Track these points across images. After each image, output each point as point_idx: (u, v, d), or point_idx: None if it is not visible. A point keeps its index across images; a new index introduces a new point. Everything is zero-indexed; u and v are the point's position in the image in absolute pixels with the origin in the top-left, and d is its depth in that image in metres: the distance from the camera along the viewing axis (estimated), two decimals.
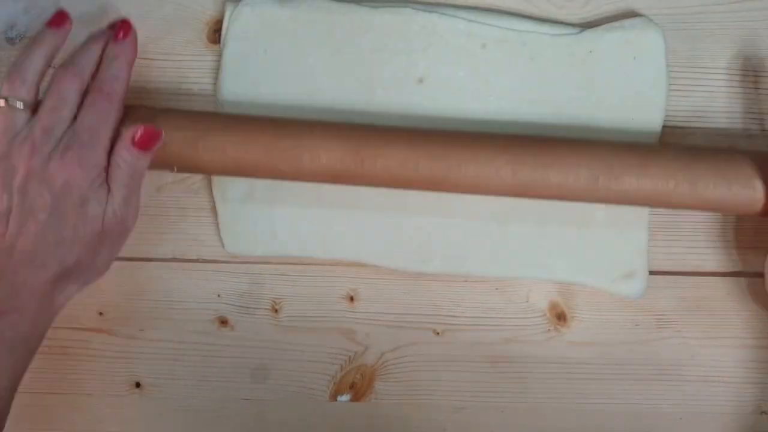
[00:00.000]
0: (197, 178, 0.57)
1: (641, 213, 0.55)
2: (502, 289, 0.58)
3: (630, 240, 0.56)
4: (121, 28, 0.52)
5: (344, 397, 0.58)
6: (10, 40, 0.55)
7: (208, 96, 0.56)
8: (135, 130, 0.50)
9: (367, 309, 0.58)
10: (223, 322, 0.58)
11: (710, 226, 0.57)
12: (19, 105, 0.49)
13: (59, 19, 0.51)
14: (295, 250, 0.57)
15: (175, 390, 0.58)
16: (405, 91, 0.55)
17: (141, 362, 0.58)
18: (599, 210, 0.56)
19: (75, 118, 0.50)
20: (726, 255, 0.57)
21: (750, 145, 0.56)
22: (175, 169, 0.53)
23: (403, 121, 0.55)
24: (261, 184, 0.56)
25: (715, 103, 0.56)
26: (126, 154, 0.50)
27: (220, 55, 0.55)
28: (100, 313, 0.58)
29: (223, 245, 0.57)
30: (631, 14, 0.55)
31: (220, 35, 0.55)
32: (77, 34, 0.53)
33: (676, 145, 0.55)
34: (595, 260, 0.56)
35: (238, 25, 0.55)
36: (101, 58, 0.52)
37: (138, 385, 0.58)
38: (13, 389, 0.50)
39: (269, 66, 0.55)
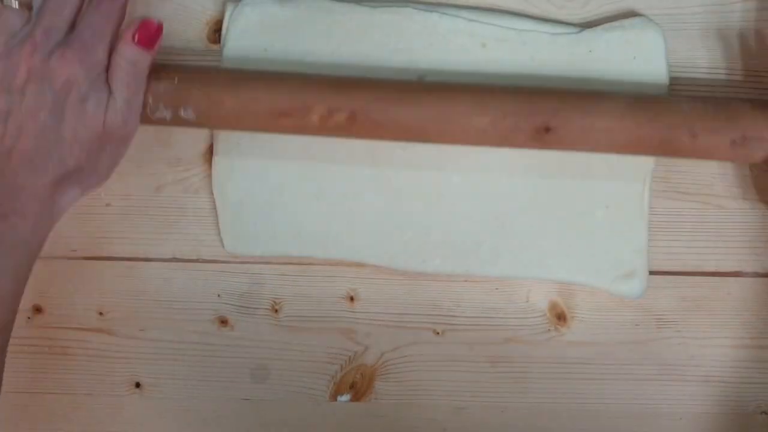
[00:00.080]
0: (197, 178, 0.57)
1: (641, 213, 0.55)
2: (502, 289, 0.58)
3: (630, 240, 0.56)
4: None
5: (344, 397, 0.58)
6: None
7: None
8: (135, 26, 0.49)
9: (367, 309, 0.58)
10: (223, 322, 0.58)
11: (710, 226, 0.57)
12: (14, 3, 0.48)
13: None
14: (295, 250, 0.57)
15: (175, 390, 0.58)
16: None
17: (141, 362, 0.58)
18: (599, 210, 0.56)
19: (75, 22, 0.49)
20: (726, 255, 0.57)
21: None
22: (177, 81, 0.51)
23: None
24: (261, 185, 0.56)
25: None
26: (127, 52, 0.49)
27: (220, 54, 0.55)
28: (100, 313, 0.58)
29: (223, 245, 0.57)
30: (631, 14, 0.55)
31: (220, 35, 0.55)
32: None
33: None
34: (595, 260, 0.56)
35: (238, 25, 0.55)
36: None
37: (138, 385, 0.58)
38: (16, 294, 0.49)
39: (269, 66, 0.55)
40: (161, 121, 0.51)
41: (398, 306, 0.58)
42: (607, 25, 0.55)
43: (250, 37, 0.55)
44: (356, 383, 0.58)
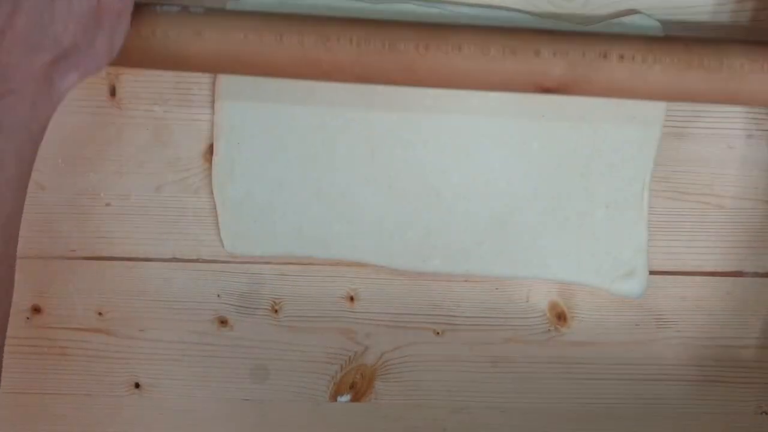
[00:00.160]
0: (197, 178, 0.57)
1: (641, 213, 0.55)
2: (502, 289, 0.58)
3: (630, 240, 0.56)
4: None
5: (344, 398, 0.58)
6: None
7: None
8: None
9: (367, 309, 0.58)
10: (223, 322, 0.58)
11: (710, 226, 0.57)
12: None
13: None
14: (295, 250, 0.57)
15: (174, 390, 0.58)
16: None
17: (140, 362, 0.58)
18: (599, 210, 0.56)
19: None
20: (726, 255, 0.57)
21: (750, 145, 0.56)
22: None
23: (404, 119, 0.55)
24: (261, 185, 0.56)
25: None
26: None
27: None
28: (100, 313, 0.58)
29: (223, 245, 0.57)
30: (631, 14, 0.55)
31: None
32: None
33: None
34: (595, 260, 0.56)
35: None
36: None
37: (137, 385, 0.58)
38: (20, 179, 0.47)
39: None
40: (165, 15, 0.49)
41: (398, 306, 0.58)
42: (606, 23, 0.55)
43: None
44: (356, 383, 0.58)
